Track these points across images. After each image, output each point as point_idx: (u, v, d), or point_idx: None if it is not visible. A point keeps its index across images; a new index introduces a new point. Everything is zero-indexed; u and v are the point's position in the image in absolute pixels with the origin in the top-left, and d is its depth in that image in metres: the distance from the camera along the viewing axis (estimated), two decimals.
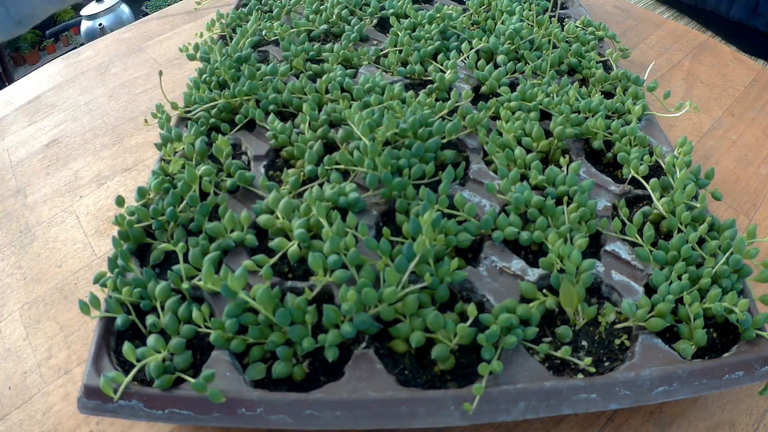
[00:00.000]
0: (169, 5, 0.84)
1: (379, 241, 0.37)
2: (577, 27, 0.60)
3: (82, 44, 0.92)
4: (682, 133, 0.58)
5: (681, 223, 0.40)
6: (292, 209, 0.40)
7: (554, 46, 0.57)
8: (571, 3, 0.67)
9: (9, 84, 0.70)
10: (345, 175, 0.45)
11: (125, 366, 0.34)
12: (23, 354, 0.41)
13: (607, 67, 0.57)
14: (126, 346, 0.33)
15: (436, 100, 0.51)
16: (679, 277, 0.38)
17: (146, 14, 1.74)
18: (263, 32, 0.59)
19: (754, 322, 0.36)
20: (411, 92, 0.50)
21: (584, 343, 0.36)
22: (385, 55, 0.56)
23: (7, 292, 0.46)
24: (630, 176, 0.44)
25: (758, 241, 0.39)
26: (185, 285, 0.37)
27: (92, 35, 1.72)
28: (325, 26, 0.59)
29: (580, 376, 0.34)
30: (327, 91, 0.51)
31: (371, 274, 0.36)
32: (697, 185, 0.43)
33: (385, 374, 0.33)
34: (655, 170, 0.47)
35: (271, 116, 0.48)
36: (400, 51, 0.56)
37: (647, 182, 0.43)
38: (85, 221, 0.50)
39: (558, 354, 0.35)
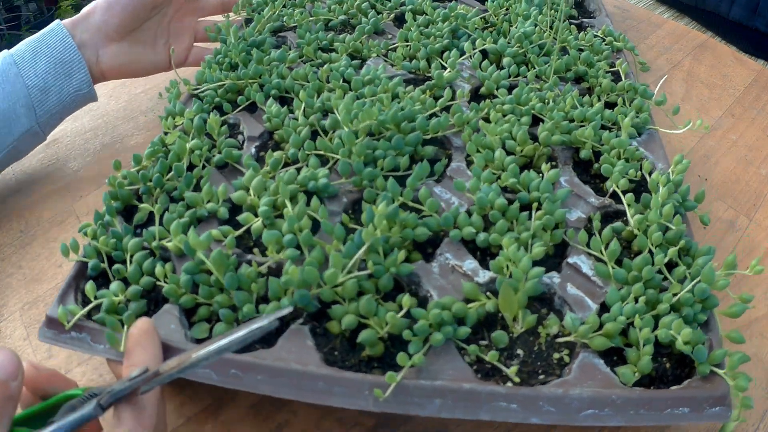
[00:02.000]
0: None
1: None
2: (595, 36, 0.57)
3: None
4: (682, 135, 0.55)
5: (652, 244, 0.38)
6: (264, 188, 0.42)
7: (566, 53, 0.55)
8: (598, 13, 0.65)
9: None
10: (328, 161, 0.46)
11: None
12: (24, 354, 0.42)
13: (619, 78, 0.54)
14: (88, 285, 0.36)
15: (434, 97, 0.51)
16: (636, 299, 0.36)
17: None
18: (284, 18, 0.61)
19: (710, 358, 0.34)
20: (410, 87, 0.51)
21: (520, 351, 0.36)
22: (395, 49, 0.57)
23: (7, 292, 0.46)
24: (611, 190, 0.42)
25: (737, 272, 0.36)
26: (155, 243, 0.40)
27: None
28: (343, 17, 0.61)
29: (510, 384, 0.34)
30: (328, 80, 0.53)
31: (321, 256, 0.38)
32: (684, 207, 0.41)
33: (314, 351, 0.35)
34: (645, 186, 0.44)
35: (270, 100, 0.50)
36: (409, 46, 0.56)
37: (625, 197, 0.41)
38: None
39: (486, 358, 0.34)
